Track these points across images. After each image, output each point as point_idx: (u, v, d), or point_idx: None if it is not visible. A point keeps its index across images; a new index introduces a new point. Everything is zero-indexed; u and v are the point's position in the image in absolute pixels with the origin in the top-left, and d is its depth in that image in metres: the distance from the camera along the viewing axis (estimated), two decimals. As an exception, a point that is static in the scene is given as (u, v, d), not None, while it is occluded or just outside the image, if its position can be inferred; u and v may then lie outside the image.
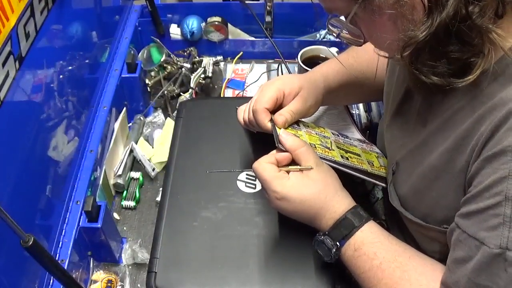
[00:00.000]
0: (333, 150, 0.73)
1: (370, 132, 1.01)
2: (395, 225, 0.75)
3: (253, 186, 0.78)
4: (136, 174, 0.94)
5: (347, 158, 0.73)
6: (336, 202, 0.64)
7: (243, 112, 0.76)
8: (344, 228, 0.62)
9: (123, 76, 1.01)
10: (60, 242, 0.74)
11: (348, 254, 0.62)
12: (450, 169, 0.56)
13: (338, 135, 0.81)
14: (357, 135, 0.89)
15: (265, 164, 0.64)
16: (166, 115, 1.06)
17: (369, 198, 0.91)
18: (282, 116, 0.70)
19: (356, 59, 0.82)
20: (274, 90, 0.71)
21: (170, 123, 1.01)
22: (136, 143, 0.98)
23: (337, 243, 0.62)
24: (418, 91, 0.60)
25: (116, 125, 0.96)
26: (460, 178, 0.55)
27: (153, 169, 0.95)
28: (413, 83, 0.56)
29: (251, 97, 0.75)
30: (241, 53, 1.19)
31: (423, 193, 0.61)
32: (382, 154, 0.81)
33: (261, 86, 0.76)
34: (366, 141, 0.86)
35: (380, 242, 0.62)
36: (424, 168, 0.60)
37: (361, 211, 0.63)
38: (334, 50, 1.08)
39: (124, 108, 1.01)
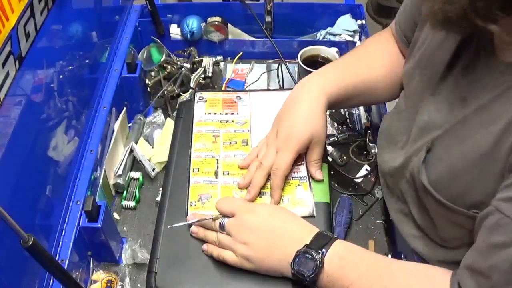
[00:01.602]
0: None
1: (370, 132, 1.01)
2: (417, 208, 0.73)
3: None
4: (136, 174, 0.94)
5: None
6: (303, 220, 0.70)
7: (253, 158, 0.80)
8: (322, 239, 0.64)
9: (123, 76, 1.01)
10: (60, 242, 0.74)
11: (334, 264, 0.62)
12: (494, 152, 0.54)
13: None
14: None
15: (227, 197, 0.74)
16: (166, 115, 1.06)
17: (369, 198, 0.92)
18: (317, 172, 0.77)
19: (358, 70, 0.83)
20: (293, 155, 0.75)
21: (170, 123, 1.01)
22: (136, 143, 0.98)
23: (320, 251, 0.62)
24: (479, 38, 0.56)
25: (116, 125, 0.96)
26: (502, 162, 0.53)
27: (153, 169, 0.95)
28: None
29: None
30: (241, 53, 1.19)
31: (458, 175, 0.59)
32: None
33: (279, 141, 0.77)
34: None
35: (359, 251, 0.64)
36: (463, 149, 0.59)
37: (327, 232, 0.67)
38: (334, 50, 1.08)
39: (124, 108, 1.01)
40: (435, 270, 0.61)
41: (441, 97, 0.65)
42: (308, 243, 0.64)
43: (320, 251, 0.62)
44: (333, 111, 1.06)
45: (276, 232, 0.67)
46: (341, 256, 0.62)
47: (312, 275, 0.61)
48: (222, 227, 0.70)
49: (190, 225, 0.74)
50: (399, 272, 0.61)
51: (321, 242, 0.63)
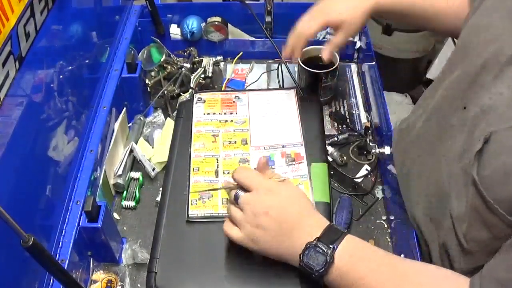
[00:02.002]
0: None
1: (370, 132, 1.01)
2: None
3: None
4: (136, 174, 0.94)
5: None
6: (317, 213, 0.67)
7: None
8: (334, 234, 0.63)
9: (123, 76, 1.01)
10: (60, 242, 0.74)
11: (345, 259, 0.61)
12: None
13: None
14: (297, 138, 0.87)
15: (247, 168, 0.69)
16: (166, 115, 1.06)
17: (369, 198, 0.91)
18: (328, 52, 0.84)
19: None
20: (320, 23, 0.82)
21: (170, 123, 1.01)
22: (136, 143, 0.98)
23: (330, 246, 0.61)
24: None
25: (116, 125, 0.96)
26: None
27: (153, 169, 0.95)
28: None
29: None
30: (241, 53, 1.19)
31: None
32: (309, 175, 0.80)
33: (313, 12, 0.85)
34: (301, 152, 0.84)
35: (371, 248, 0.64)
36: None
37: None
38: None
39: (124, 108, 1.01)
40: (446, 272, 0.60)
41: (505, 83, 0.61)
42: (318, 236, 0.62)
43: (331, 246, 0.61)
44: (333, 111, 1.06)
45: (290, 220, 0.64)
46: (352, 253, 0.61)
47: (321, 270, 0.60)
48: (236, 199, 0.66)
49: (190, 224, 0.74)
50: (411, 271, 0.60)
51: (332, 236, 0.62)
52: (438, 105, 0.72)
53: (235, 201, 0.67)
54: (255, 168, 0.71)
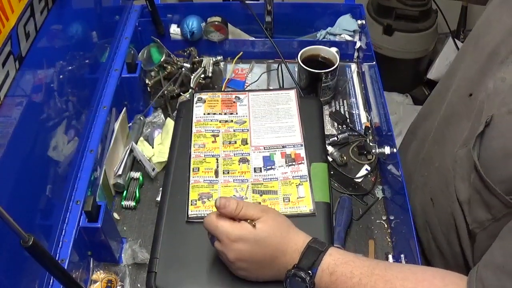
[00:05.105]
0: (246, 198, 0.77)
1: (370, 132, 1.01)
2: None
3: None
4: (136, 174, 0.94)
5: (260, 203, 0.76)
6: (293, 236, 0.64)
7: None
8: (312, 256, 0.62)
9: (123, 76, 1.01)
10: (60, 242, 0.74)
11: (325, 280, 0.61)
12: None
13: (261, 169, 0.81)
14: (297, 138, 0.87)
15: (213, 216, 0.64)
16: (166, 115, 1.06)
17: (369, 198, 0.91)
18: None
19: None
20: None
21: (170, 123, 1.01)
22: (136, 143, 0.98)
23: (309, 272, 0.61)
24: None
25: (116, 125, 0.96)
26: None
27: (153, 169, 0.95)
28: None
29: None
30: (241, 53, 1.19)
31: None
32: (309, 176, 0.80)
33: None
34: (301, 152, 0.84)
35: (352, 261, 0.62)
36: None
37: (320, 240, 0.64)
38: (334, 50, 1.08)
39: (124, 108, 1.01)
40: (433, 272, 0.60)
41: (510, 68, 0.62)
42: (297, 263, 0.62)
43: (309, 271, 0.61)
44: (333, 111, 1.06)
45: (267, 256, 0.64)
46: (332, 271, 0.61)
47: None
48: (212, 243, 0.66)
49: (190, 224, 0.74)
50: (394, 278, 0.59)
51: (310, 259, 0.62)
52: (447, 96, 0.73)
53: (212, 244, 0.66)
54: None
